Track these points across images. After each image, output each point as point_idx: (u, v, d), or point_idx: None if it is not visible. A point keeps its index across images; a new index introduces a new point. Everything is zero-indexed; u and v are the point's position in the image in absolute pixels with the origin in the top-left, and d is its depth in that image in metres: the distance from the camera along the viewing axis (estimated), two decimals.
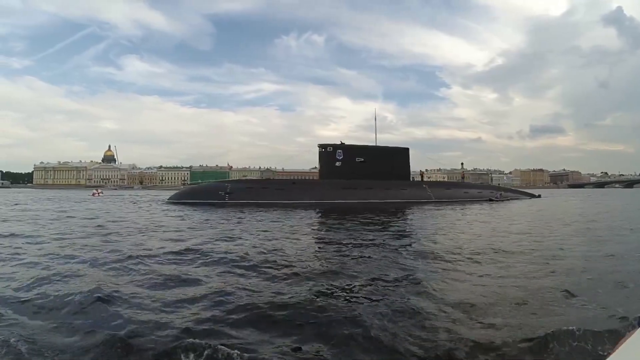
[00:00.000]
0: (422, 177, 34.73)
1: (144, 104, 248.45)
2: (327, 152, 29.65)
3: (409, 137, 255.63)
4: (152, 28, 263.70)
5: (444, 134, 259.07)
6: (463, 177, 41.48)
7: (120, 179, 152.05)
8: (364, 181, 28.15)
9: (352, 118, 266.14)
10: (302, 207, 22.36)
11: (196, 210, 20.04)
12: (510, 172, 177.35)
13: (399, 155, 31.29)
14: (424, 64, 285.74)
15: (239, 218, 15.66)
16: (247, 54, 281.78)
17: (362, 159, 29.42)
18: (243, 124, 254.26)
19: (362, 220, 14.33)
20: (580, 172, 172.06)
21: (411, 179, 33.07)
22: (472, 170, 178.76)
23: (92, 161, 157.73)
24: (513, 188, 47.45)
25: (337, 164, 29.24)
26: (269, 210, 19.70)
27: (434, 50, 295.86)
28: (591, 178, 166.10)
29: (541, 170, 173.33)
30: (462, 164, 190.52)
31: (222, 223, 13.70)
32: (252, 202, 25.08)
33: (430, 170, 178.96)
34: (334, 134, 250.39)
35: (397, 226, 13.06)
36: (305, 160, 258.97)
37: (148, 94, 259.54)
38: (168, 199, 29.48)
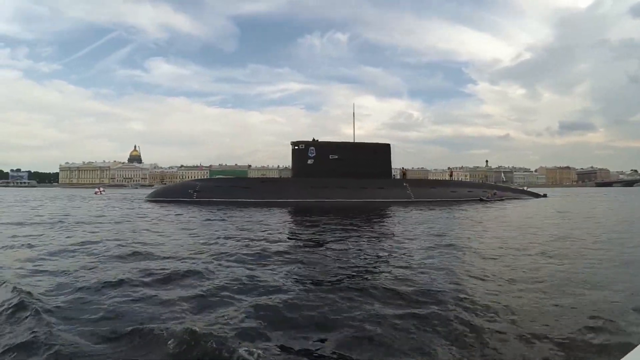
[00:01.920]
0: (404, 175, 32.56)
1: (171, 106, 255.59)
2: (299, 149, 28.50)
3: (436, 135, 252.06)
4: (177, 31, 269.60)
5: (471, 132, 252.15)
6: (451, 175, 38.69)
7: (142, 178, 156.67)
8: (336, 180, 26.61)
9: (378, 116, 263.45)
10: (262, 205, 22.09)
11: (152, 207, 20.98)
12: (535, 170, 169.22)
13: (378, 153, 29.42)
14: (450, 60, 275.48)
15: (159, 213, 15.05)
16: (271, 54, 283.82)
17: (336, 157, 27.89)
18: (269, 124, 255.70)
19: (306, 224, 12.90)
20: (608, 170, 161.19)
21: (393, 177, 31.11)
22: (496, 168, 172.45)
23: (115, 161, 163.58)
24: (513, 187, 44.06)
25: (309, 162, 28.00)
26: (218, 207, 20.30)
27: (460, 46, 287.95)
28: (620, 176, 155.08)
29: (568, 168, 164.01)
30: (486, 161, 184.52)
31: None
32: (218, 200, 25.44)
33: (452, 168, 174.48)
34: (359, 133, 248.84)
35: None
36: None
37: (175, 95, 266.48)
38: (146, 197, 30.41)
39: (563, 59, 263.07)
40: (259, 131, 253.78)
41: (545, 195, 37.20)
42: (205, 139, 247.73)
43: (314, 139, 28.81)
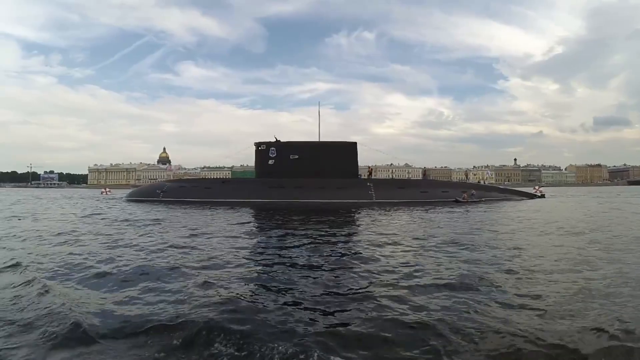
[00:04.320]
0: (370, 174, 31.50)
1: (202, 107, 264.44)
2: (261, 150, 28.51)
3: (467, 133, 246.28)
4: (206, 34, 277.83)
5: (503, 129, 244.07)
6: (425, 175, 36.99)
7: (166, 179, 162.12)
8: (293, 180, 26.23)
9: (407, 114, 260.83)
10: (218, 204, 22.83)
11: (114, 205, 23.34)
12: (565, 168, 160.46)
13: (343, 152, 28.62)
14: (480, 56, 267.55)
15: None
16: (299, 54, 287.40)
17: (297, 157, 27.50)
18: (299, 124, 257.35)
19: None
20: None
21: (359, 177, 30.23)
22: (524, 166, 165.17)
23: (141, 163, 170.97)
24: (502, 187, 41.30)
25: (270, 162, 27.88)
26: (163, 205, 22.12)
27: (490, 41, 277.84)
28: None
29: (599, 165, 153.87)
30: (515, 159, 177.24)
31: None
32: (181, 200, 26.53)
33: (478, 167, 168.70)
34: (389, 131, 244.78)
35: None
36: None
37: (205, 97, 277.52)
38: (125, 197, 32.64)
39: (596, 52, 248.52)
40: (288, 131, 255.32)
41: (542, 196, 34.53)
42: (235, 140, 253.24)
43: (276, 139, 28.59)
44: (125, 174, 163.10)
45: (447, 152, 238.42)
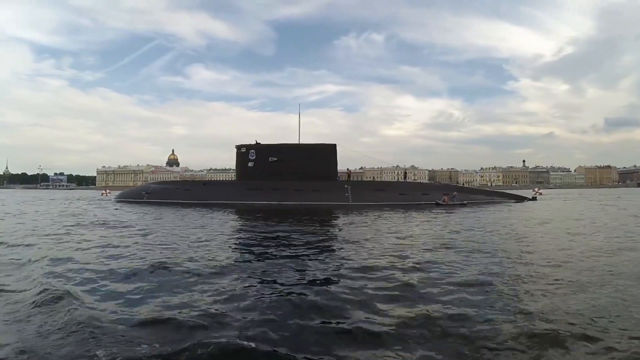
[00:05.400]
0: (348, 177, 31.51)
1: (212, 110, 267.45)
2: (241, 152, 28.93)
3: (478, 134, 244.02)
4: (216, 37, 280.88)
5: (513, 130, 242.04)
6: (405, 176, 36.68)
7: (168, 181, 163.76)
8: (272, 182, 26.50)
9: (417, 116, 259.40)
10: (195, 205, 23.70)
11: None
12: (575, 170, 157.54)
13: (322, 154, 28.71)
14: (490, 57, 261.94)
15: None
16: (308, 56, 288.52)
17: (275, 159, 27.74)
18: (308, 126, 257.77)
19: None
20: None
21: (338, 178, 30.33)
22: (533, 167, 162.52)
23: (148, 165, 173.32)
24: (488, 189, 40.66)
25: (250, 164, 28.23)
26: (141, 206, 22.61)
27: (500, 42, 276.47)
28: None
29: (608, 167, 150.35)
30: (523, 161, 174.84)
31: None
32: (163, 201, 27.33)
33: (485, 168, 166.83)
34: (399, 133, 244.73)
35: None
36: (367, 159, 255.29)
37: (215, 100, 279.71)
38: (115, 198, 33.69)
39: (606, 52, 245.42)
40: (296, 133, 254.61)
41: (534, 199, 33.58)
42: (244, 142, 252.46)
43: (256, 142, 28.89)
44: (132, 175, 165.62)
45: (457, 154, 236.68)
